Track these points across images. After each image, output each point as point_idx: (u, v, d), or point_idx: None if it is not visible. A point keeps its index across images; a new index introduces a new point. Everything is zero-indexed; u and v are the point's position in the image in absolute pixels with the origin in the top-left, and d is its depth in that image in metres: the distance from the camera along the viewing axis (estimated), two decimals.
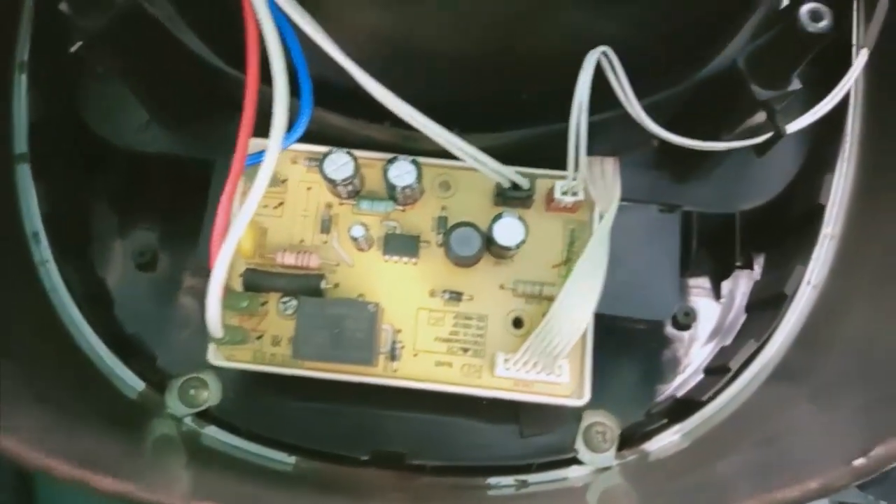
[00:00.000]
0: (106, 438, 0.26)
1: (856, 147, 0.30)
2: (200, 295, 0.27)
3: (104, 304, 0.31)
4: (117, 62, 0.28)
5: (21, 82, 0.31)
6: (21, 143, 0.31)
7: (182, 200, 0.31)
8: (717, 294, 0.32)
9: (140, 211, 0.33)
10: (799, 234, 0.29)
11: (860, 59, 0.26)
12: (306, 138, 0.28)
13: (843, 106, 0.29)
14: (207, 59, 0.27)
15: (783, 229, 0.31)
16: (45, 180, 0.30)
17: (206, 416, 0.29)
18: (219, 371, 0.28)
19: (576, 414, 0.27)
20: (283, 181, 0.28)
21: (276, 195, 0.28)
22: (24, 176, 0.30)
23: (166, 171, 0.33)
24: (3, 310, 0.27)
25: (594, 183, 0.26)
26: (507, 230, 0.26)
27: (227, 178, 0.23)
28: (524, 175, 0.28)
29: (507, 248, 0.26)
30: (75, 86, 0.31)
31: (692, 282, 0.32)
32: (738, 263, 0.32)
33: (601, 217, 0.26)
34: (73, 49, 0.26)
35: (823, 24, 0.21)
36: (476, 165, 0.25)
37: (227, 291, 0.26)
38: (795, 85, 0.24)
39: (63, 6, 0.25)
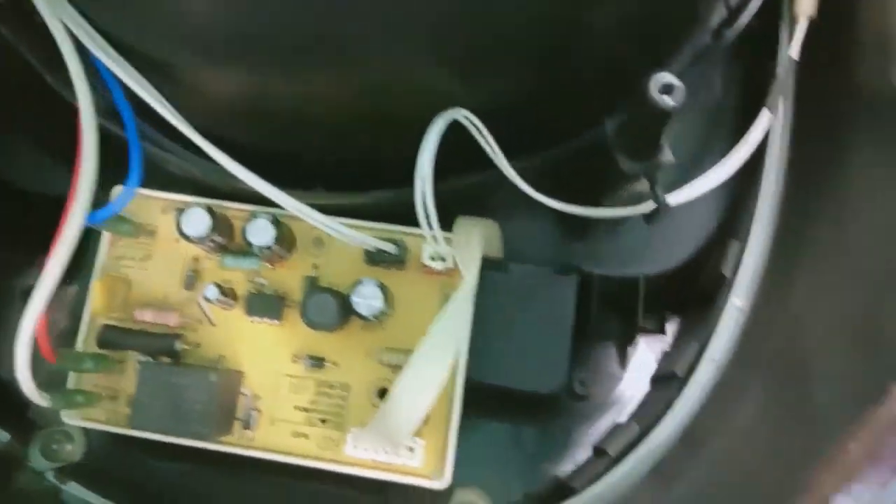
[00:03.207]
0: None
1: (774, 213, 0.27)
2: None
3: None
4: None
5: None
6: None
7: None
8: (622, 362, 0.30)
9: (33, 251, 0.32)
10: (704, 306, 0.27)
11: (760, 123, 0.24)
12: (175, 188, 0.27)
13: (757, 170, 0.26)
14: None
15: (692, 298, 0.28)
16: None
17: (68, 471, 0.28)
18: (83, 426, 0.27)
19: (447, 491, 0.26)
20: (152, 232, 0.27)
21: (144, 246, 0.27)
22: None
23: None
24: None
25: (458, 247, 0.24)
26: (365, 299, 0.24)
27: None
28: (397, 235, 0.26)
29: (366, 318, 0.24)
30: None
31: (595, 348, 0.30)
32: (647, 328, 0.30)
33: None
34: None
35: (672, 98, 0.18)
36: (327, 230, 0.23)
37: (68, 352, 0.25)
38: (668, 156, 0.21)
39: None
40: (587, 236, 0.28)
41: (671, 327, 0.30)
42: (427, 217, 0.23)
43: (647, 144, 0.21)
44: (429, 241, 0.24)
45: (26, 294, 0.32)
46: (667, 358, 0.28)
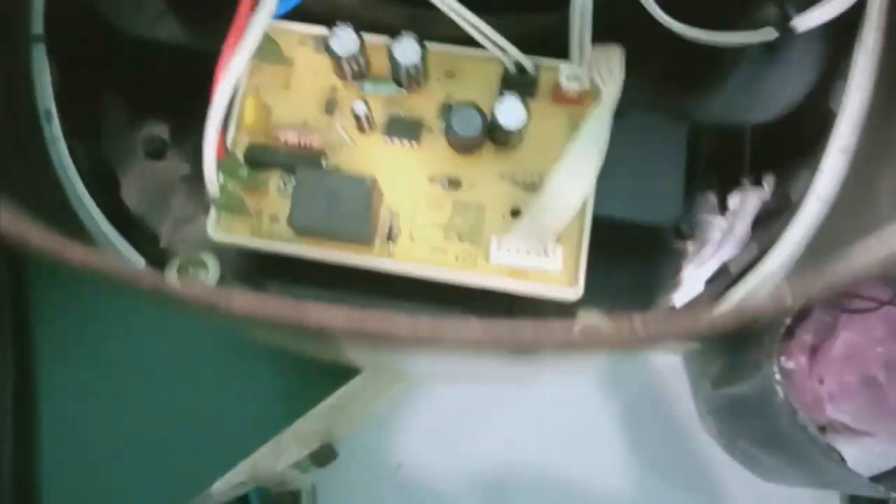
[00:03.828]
0: None
1: (880, 48, 0.28)
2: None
3: (110, 185, 0.32)
4: None
5: None
6: (38, 25, 0.31)
7: (195, 94, 0.31)
8: (722, 209, 0.31)
9: (151, 102, 0.33)
10: (809, 146, 0.29)
11: None
12: (312, 19, 0.29)
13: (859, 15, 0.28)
14: None
15: (795, 144, 0.30)
16: (58, 62, 0.31)
17: None
18: (217, 252, 0.28)
19: (569, 313, 0.27)
20: (290, 63, 0.28)
21: (282, 75, 0.28)
22: (40, 56, 0.31)
23: (180, 63, 0.33)
24: (16, 190, 0.27)
25: (599, 71, 0.26)
26: (509, 111, 0.26)
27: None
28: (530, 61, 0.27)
29: (509, 131, 0.26)
30: None
31: (698, 196, 0.31)
32: (747, 179, 0.31)
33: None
34: None
35: None
36: (479, 39, 0.25)
37: (227, 156, 0.26)
38: None
39: None
40: (695, 84, 0.30)
41: (771, 180, 0.31)
42: (581, 32, 0.24)
43: None
44: (574, 60, 0.25)
45: (147, 142, 0.33)
46: (770, 201, 0.30)
